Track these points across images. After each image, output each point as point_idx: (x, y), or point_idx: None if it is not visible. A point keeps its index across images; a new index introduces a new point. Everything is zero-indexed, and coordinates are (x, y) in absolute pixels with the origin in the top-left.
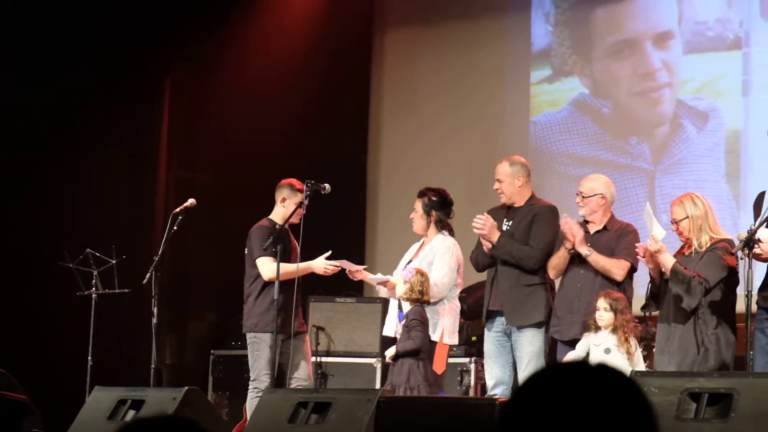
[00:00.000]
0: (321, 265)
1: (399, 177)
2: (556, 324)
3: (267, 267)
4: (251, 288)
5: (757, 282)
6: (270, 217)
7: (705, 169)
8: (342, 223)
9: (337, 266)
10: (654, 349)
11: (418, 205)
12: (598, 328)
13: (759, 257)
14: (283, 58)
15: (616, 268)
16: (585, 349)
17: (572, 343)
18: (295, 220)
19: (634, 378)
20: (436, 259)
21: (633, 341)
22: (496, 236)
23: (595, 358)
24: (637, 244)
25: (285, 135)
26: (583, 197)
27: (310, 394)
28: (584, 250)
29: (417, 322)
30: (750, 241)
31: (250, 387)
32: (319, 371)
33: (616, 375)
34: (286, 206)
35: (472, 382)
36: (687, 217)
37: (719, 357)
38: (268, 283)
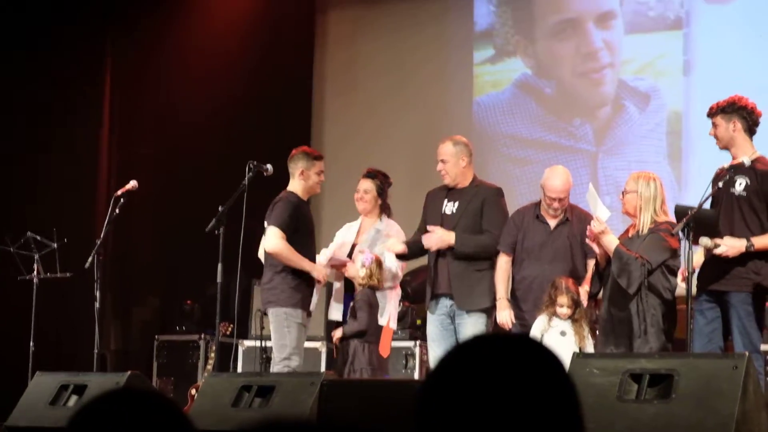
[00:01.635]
0: (322, 274)
1: (343, 158)
2: (520, 317)
3: (275, 239)
4: (277, 261)
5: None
6: (290, 190)
7: (647, 150)
8: None
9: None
10: (597, 332)
11: (371, 186)
12: (555, 314)
13: (722, 254)
14: (225, 38)
15: None
16: (541, 329)
17: None
18: (316, 190)
19: (551, 350)
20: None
21: (586, 326)
22: (452, 237)
23: (551, 338)
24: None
25: (228, 116)
26: (561, 201)
27: (254, 377)
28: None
29: (363, 303)
30: (690, 223)
31: (277, 366)
32: (264, 355)
33: (534, 346)
34: (306, 179)
35: (417, 365)
36: (635, 192)
37: (660, 339)
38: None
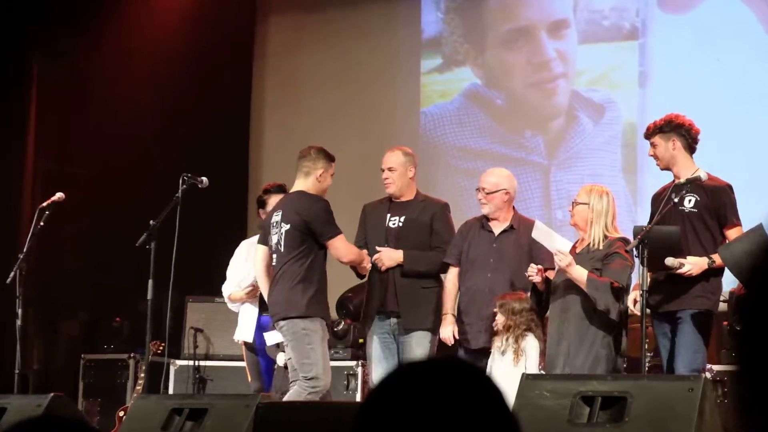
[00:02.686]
0: (366, 261)
1: (283, 171)
2: (463, 332)
3: (347, 248)
4: (297, 268)
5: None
6: (303, 189)
7: (601, 163)
8: (222, 220)
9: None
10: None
11: None
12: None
13: (686, 274)
14: (161, 48)
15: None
16: (491, 355)
17: (481, 352)
18: (325, 193)
19: (487, 375)
20: None
21: (531, 341)
22: (400, 255)
23: (493, 362)
24: (530, 270)
25: (162, 127)
26: (486, 193)
27: (185, 399)
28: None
29: None
30: (645, 240)
31: (305, 388)
32: (197, 375)
33: (470, 373)
34: (323, 180)
35: (359, 386)
36: (587, 204)
37: (611, 361)
38: (319, 268)
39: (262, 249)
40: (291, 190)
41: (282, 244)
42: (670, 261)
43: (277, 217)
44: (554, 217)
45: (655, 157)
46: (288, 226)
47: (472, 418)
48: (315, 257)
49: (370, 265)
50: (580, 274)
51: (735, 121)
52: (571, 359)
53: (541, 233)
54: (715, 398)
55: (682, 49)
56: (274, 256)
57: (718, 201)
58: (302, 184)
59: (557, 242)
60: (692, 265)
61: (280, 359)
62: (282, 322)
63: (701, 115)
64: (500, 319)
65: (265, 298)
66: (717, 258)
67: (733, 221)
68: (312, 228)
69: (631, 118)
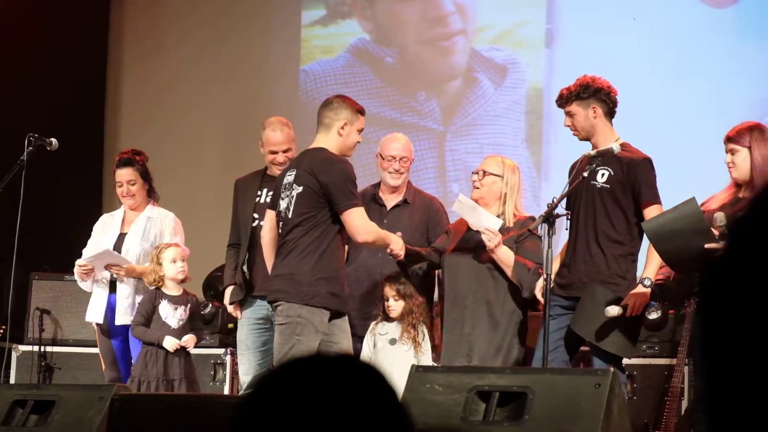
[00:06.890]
0: (399, 246)
1: (144, 136)
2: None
3: (365, 223)
4: (306, 242)
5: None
6: (324, 146)
7: (503, 131)
8: (74, 187)
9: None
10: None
11: (135, 175)
12: (386, 318)
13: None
14: None
15: None
16: (372, 342)
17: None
18: (350, 153)
19: (379, 370)
20: (175, 237)
21: (423, 329)
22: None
23: (381, 350)
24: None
25: (4, 80)
26: (402, 161)
27: (29, 390)
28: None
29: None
30: (550, 217)
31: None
32: (43, 363)
33: (359, 367)
34: (347, 135)
35: (228, 377)
36: (500, 177)
37: (521, 351)
38: (334, 245)
39: (270, 215)
40: (311, 146)
41: (291, 209)
42: (612, 312)
43: (290, 177)
44: (449, 190)
45: (573, 127)
46: (300, 189)
47: (364, 420)
48: (328, 230)
49: (402, 251)
50: (507, 256)
51: (651, 87)
52: (481, 348)
53: (464, 208)
54: (623, 395)
55: (595, 6)
56: (281, 224)
57: (633, 176)
58: (323, 139)
59: (483, 218)
60: (634, 299)
61: (169, 343)
62: (280, 303)
63: (615, 79)
64: (397, 305)
65: (269, 271)
66: (651, 273)
67: (649, 199)
68: (328, 193)
69: (536, 82)
